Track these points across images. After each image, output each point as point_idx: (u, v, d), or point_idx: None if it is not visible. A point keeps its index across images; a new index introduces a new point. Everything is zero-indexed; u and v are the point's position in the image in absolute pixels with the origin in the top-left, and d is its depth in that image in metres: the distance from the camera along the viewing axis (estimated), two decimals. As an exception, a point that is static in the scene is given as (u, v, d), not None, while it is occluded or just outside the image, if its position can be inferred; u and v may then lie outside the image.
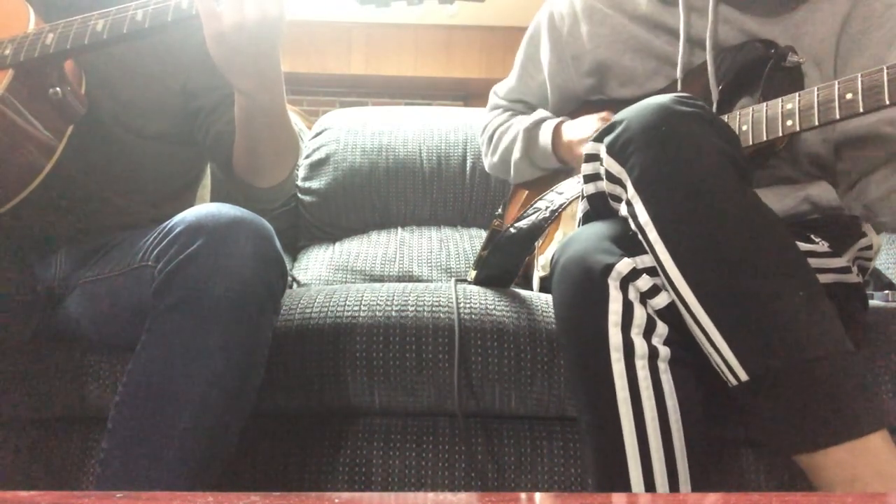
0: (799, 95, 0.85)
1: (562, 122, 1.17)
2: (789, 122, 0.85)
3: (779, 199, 0.98)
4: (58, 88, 0.89)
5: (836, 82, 0.81)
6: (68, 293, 0.97)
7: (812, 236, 0.95)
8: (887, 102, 0.77)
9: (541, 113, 1.22)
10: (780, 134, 0.86)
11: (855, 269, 0.95)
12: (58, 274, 0.99)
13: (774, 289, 0.69)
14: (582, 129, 1.11)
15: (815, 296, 0.70)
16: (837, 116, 0.81)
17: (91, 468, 0.99)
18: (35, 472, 0.99)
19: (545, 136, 1.17)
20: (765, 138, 0.87)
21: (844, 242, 0.97)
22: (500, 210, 1.33)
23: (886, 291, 1.31)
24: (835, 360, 0.67)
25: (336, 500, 0.48)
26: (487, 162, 1.36)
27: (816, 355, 0.67)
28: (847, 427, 0.66)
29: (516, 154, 1.23)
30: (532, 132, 1.20)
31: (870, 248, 1.00)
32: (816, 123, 0.83)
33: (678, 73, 1.03)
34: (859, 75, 0.80)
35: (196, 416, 0.76)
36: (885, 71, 0.78)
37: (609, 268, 0.75)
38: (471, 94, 4.37)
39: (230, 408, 0.79)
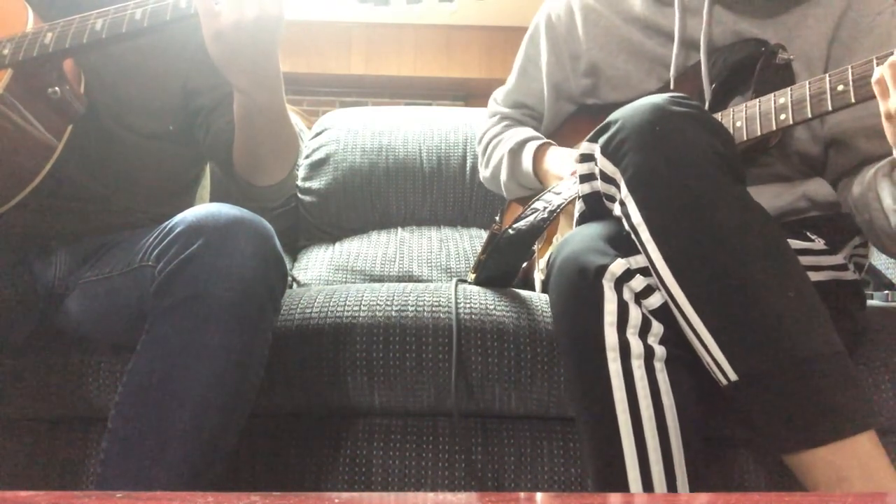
0: (791, 90, 0.85)
1: (543, 145, 1.16)
2: (782, 116, 0.85)
3: (776, 196, 0.99)
4: (57, 88, 0.89)
5: (828, 75, 0.82)
6: (68, 293, 0.97)
7: (808, 233, 0.95)
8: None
9: (525, 132, 1.21)
10: (774, 128, 0.86)
11: (851, 266, 0.96)
12: (58, 274, 0.99)
13: (764, 288, 0.69)
14: (561, 164, 1.11)
15: (805, 296, 0.70)
16: (830, 108, 0.81)
17: (91, 468, 0.99)
18: (35, 472, 0.99)
19: (527, 160, 1.16)
20: (759, 133, 0.88)
21: (840, 240, 0.97)
22: (497, 217, 1.34)
23: (886, 291, 1.31)
24: (823, 360, 0.67)
25: (336, 500, 0.48)
26: (481, 174, 1.37)
27: (804, 356, 0.67)
28: (833, 427, 0.66)
29: (503, 176, 1.23)
30: (516, 154, 1.19)
31: (865, 245, 1.01)
32: (809, 116, 0.83)
33: (671, 74, 1.04)
34: (850, 67, 0.80)
35: (196, 416, 0.77)
36: (875, 61, 0.78)
37: (603, 269, 0.75)
38: (471, 94, 4.38)
39: (230, 408, 0.79)
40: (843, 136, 0.96)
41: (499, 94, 1.35)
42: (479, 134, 1.36)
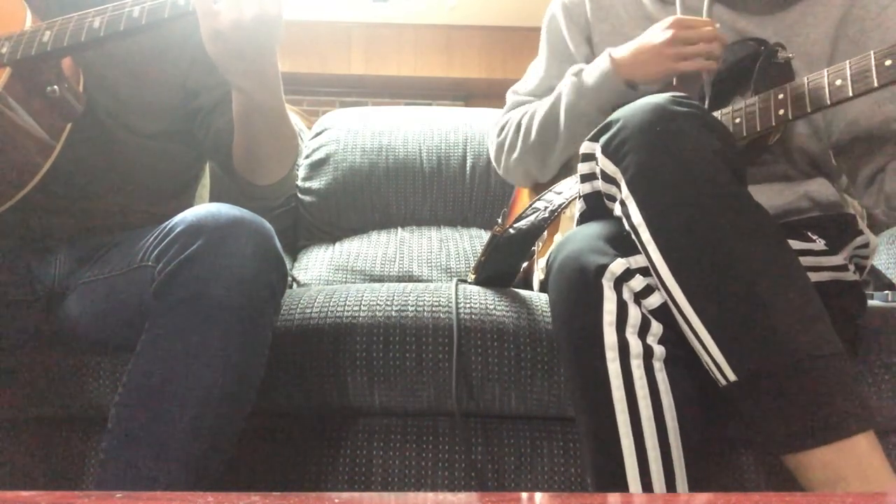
0: (789, 86, 0.86)
1: (611, 52, 1.06)
2: (781, 112, 0.86)
3: (777, 194, 0.99)
4: (55, 86, 0.89)
5: (826, 71, 0.83)
6: (68, 293, 0.97)
7: (809, 234, 0.95)
8: (876, 85, 0.79)
9: (575, 67, 1.12)
10: (773, 123, 0.87)
11: (852, 267, 0.96)
12: (57, 274, 0.98)
13: (764, 290, 0.69)
14: (648, 36, 1.01)
15: (805, 297, 0.70)
16: (828, 102, 0.82)
17: (91, 468, 0.99)
18: (35, 472, 0.99)
19: (603, 63, 1.05)
20: (758, 129, 0.88)
21: (841, 240, 0.97)
22: (500, 219, 1.32)
23: (886, 291, 1.30)
24: (822, 361, 0.67)
25: (336, 500, 0.48)
26: (514, 156, 1.19)
27: (804, 357, 0.67)
28: (832, 428, 0.66)
29: (564, 106, 1.08)
30: (578, 76, 1.08)
31: (866, 246, 1.00)
32: (808, 110, 0.83)
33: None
34: (847, 62, 0.81)
35: (196, 416, 0.76)
36: (872, 56, 0.79)
37: (603, 268, 0.75)
38: (471, 94, 4.37)
39: (230, 408, 0.79)
40: (875, 129, 0.95)
41: (522, 87, 1.26)
42: (497, 126, 1.25)
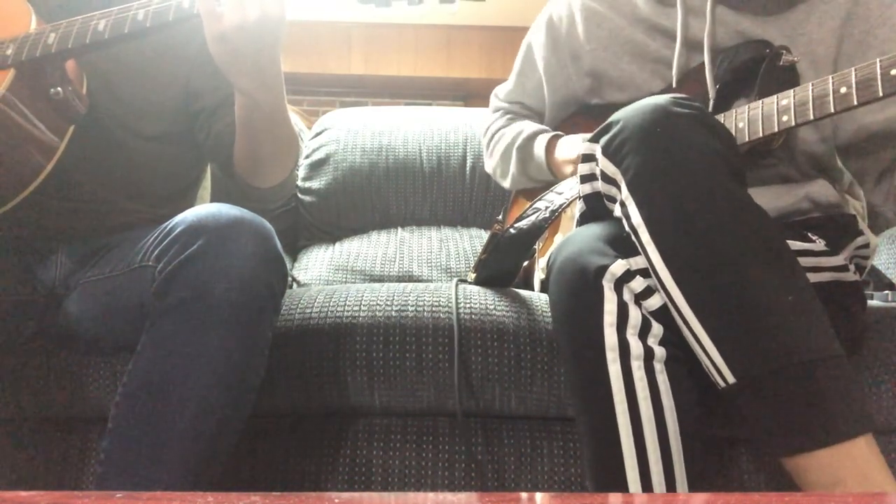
0: (794, 91, 0.85)
1: (555, 137, 1.16)
2: (785, 118, 0.85)
3: (778, 197, 0.99)
4: (59, 88, 0.89)
5: (830, 77, 0.82)
6: (68, 293, 0.97)
7: (809, 234, 0.95)
8: (881, 94, 0.78)
9: (533, 126, 1.21)
10: (776, 129, 0.86)
11: (852, 267, 0.96)
12: (58, 274, 0.99)
13: (763, 292, 0.69)
14: (570, 149, 1.11)
15: (804, 299, 0.70)
16: (832, 110, 0.82)
17: (91, 468, 0.99)
18: (35, 472, 0.99)
19: (539, 151, 1.16)
20: (761, 135, 0.88)
21: (842, 241, 0.97)
22: (500, 216, 1.34)
23: (886, 291, 1.31)
24: (821, 363, 0.67)
25: (336, 500, 0.48)
26: (486, 165, 1.36)
27: (802, 359, 0.67)
28: (831, 431, 0.66)
29: (513, 168, 1.23)
30: (526, 148, 1.19)
31: (867, 246, 1.00)
32: (812, 118, 0.83)
33: (674, 75, 1.04)
34: (853, 69, 0.80)
35: (196, 416, 0.77)
36: (878, 64, 0.78)
37: (603, 269, 0.75)
38: (471, 94, 4.37)
39: (230, 408, 0.79)
40: (882, 129, 0.95)
41: (500, 91, 1.34)
42: (482, 128, 1.36)
